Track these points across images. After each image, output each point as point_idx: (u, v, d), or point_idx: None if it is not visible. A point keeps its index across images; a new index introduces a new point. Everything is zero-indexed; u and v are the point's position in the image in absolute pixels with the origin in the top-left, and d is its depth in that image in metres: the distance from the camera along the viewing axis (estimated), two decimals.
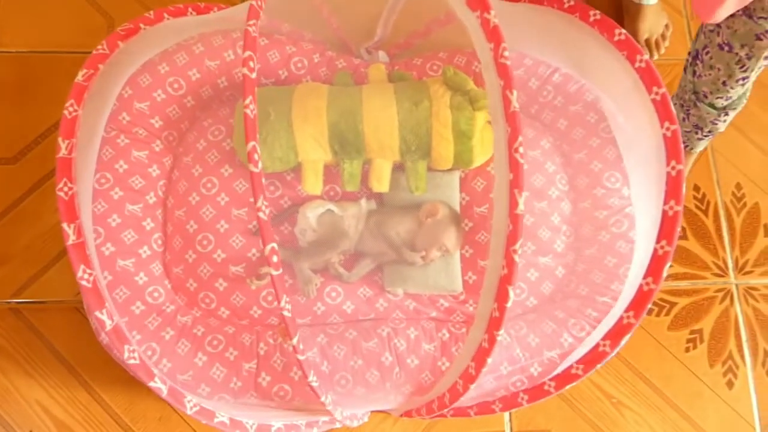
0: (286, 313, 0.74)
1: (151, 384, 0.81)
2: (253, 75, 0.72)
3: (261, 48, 1.15)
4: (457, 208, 1.13)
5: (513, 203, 0.72)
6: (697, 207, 1.30)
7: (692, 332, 1.22)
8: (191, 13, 1.07)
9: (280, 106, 1.05)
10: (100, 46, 0.93)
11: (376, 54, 1.23)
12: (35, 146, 1.22)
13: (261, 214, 0.71)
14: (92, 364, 0.94)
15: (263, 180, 0.72)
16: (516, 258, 0.72)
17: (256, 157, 0.71)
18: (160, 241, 1.11)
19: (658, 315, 1.24)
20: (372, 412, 1.15)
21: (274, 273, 0.72)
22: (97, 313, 0.80)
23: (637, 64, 0.95)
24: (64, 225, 0.81)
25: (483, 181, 1.15)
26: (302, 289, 1.07)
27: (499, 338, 0.77)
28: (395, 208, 1.12)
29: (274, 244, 0.72)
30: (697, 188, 1.31)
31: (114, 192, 1.07)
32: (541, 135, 1.21)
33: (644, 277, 0.89)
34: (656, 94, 0.97)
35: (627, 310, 0.92)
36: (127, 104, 1.10)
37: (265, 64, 1.15)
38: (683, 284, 1.26)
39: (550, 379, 0.97)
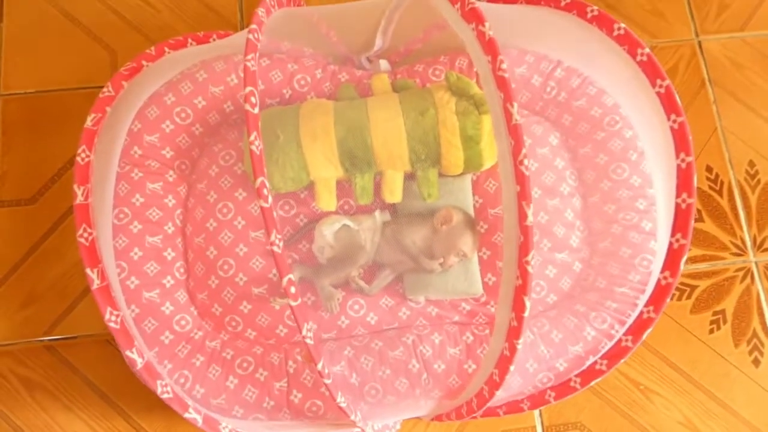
0: (308, 341, 0.75)
1: (186, 415, 0.84)
2: (256, 110, 0.73)
3: (263, 69, 1.16)
4: (471, 211, 1.14)
5: (522, 215, 0.73)
6: (710, 188, 1.30)
7: (715, 314, 1.23)
8: (191, 43, 1.08)
9: (287, 127, 1.06)
10: (105, 89, 0.95)
11: (377, 63, 1.24)
12: (52, 185, 1.24)
13: (275, 248, 0.73)
14: (128, 393, 0.97)
15: (269, 197, 0.73)
16: (529, 269, 0.73)
17: (265, 192, 0.72)
18: (182, 269, 1.13)
19: (679, 299, 1.24)
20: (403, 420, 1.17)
21: (293, 304, 0.73)
22: (128, 353, 0.83)
23: (638, 58, 0.95)
24: (88, 270, 0.83)
25: (495, 182, 1.16)
26: (325, 305, 1.09)
27: (519, 347, 0.79)
28: (410, 216, 1.13)
29: (291, 276, 0.73)
30: (709, 169, 1.31)
31: (133, 226, 1.09)
32: (549, 131, 1.21)
33: (662, 271, 0.90)
34: (660, 86, 0.97)
35: (647, 305, 0.92)
36: (138, 138, 1.12)
37: (269, 84, 1.16)
38: (702, 266, 1.26)
39: (576, 375, 0.98)
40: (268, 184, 0.72)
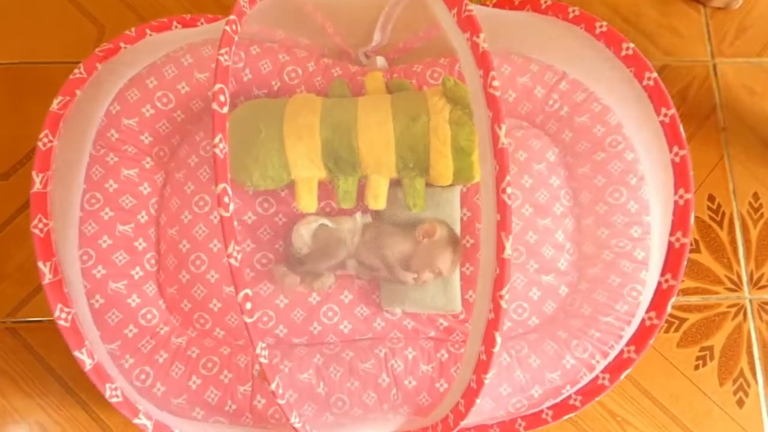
0: (262, 359, 0.71)
1: (136, 421, 0.80)
2: (224, 110, 0.68)
3: (252, 57, 1.11)
4: (458, 226, 1.09)
5: (500, 247, 0.68)
6: (711, 218, 1.25)
7: (702, 349, 1.18)
8: (176, 26, 1.03)
9: (271, 123, 1.01)
10: (77, 70, 0.89)
11: (374, 59, 1.18)
12: (27, 161, 1.19)
13: (233, 261, 0.68)
14: (90, 384, 0.93)
15: (230, 205, 0.69)
16: (503, 303, 0.69)
17: (226, 200, 0.68)
18: (153, 261, 1.09)
19: (667, 331, 1.20)
20: None
21: (248, 320, 0.69)
22: (77, 353, 0.79)
23: (645, 82, 0.89)
24: (40, 264, 0.79)
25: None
26: (312, 286, 1.05)
27: (486, 381, 0.74)
28: (392, 224, 1.08)
29: (248, 291, 0.69)
30: (711, 198, 1.25)
31: (104, 213, 1.04)
32: (547, 147, 1.16)
33: (647, 311, 0.85)
34: (665, 116, 0.92)
35: (629, 344, 0.88)
36: (116, 121, 1.07)
37: (257, 74, 1.11)
38: (694, 299, 1.21)
39: (548, 408, 0.94)
40: (230, 192, 0.68)
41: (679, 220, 0.82)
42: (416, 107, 1.02)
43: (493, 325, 0.70)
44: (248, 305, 0.69)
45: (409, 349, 1.06)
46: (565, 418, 0.93)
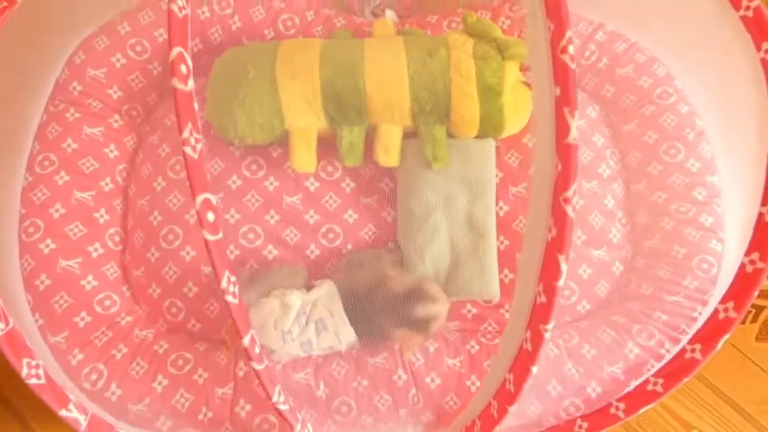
0: (230, 298, 0.52)
1: (64, 413, 0.59)
2: (188, 85, 0.51)
3: (243, 4, 0.96)
4: (493, 189, 0.89)
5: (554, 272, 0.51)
6: None
7: None
8: None
9: (261, 62, 0.84)
10: None
11: (383, 16, 1.03)
12: None
13: (230, 298, 0.51)
14: (27, 392, 0.71)
15: (219, 230, 0.53)
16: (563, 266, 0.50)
17: (210, 217, 0.50)
18: (117, 238, 0.90)
19: (742, 322, 0.99)
20: None
21: (258, 368, 0.52)
22: None
23: (741, 12, 0.71)
24: None
25: (518, 155, 0.92)
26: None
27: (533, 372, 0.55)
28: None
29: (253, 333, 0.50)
30: None
31: (59, 177, 0.87)
32: (586, 103, 0.99)
33: (722, 301, 0.64)
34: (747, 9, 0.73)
35: (692, 341, 0.67)
36: (79, 72, 0.91)
37: (248, 22, 0.96)
38: None
39: (618, 400, 0.72)
40: (215, 201, 0.50)
41: (761, 240, 0.62)
42: (433, 43, 0.86)
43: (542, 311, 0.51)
44: (257, 350, 0.51)
45: (430, 341, 0.85)
46: (643, 409, 0.70)
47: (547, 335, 0.56)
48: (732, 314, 0.65)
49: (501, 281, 0.88)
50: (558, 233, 0.52)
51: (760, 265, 0.63)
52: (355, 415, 0.81)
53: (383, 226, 0.90)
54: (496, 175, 0.91)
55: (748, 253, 0.64)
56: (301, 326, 0.76)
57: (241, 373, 0.81)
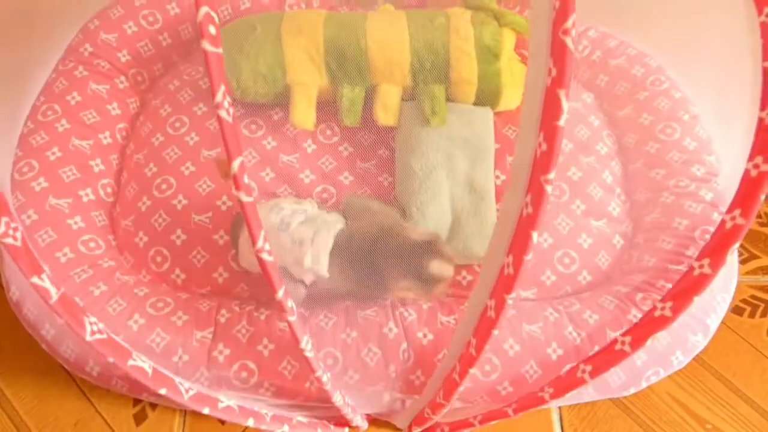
0: (265, 255, 0.51)
1: (35, 280, 0.54)
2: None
3: None
4: (492, 155, 0.89)
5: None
6: None
7: None
8: None
9: (269, 22, 0.88)
10: None
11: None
12: None
13: (266, 256, 0.52)
14: None
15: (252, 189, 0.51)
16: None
17: (246, 180, 0.49)
18: (109, 189, 0.89)
19: (752, 316, 0.94)
20: (371, 421, 0.84)
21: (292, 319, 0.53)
22: None
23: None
24: None
25: (515, 128, 0.93)
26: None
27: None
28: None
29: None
30: None
31: (60, 124, 0.88)
32: (580, 90, 1.01)
33: (699, 257, 0.62)
34: None
35: (665, 299, 0.64)
36: (92, 36, 0.95)
37: (256, 3, 1.01)
38: None
39: (623, 334, 0.67)
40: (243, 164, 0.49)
41: (761, 142, 0.61)
42: (433, 13, 0.90)
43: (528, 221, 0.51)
44: (267, 247, 0.52)
45: (424, 300, 0.81)
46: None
47: (509, 302, 0.56)
48: (707, 270, 0.61)
49: None
50: (534, 211, 0.51)
51: (740, 221, 0.61)
52: (341, 368, 0.75)
53: (380, 188, 0.89)
54: (498, 177, 0.91)
55: (730, 209, 0.61)
56: (287, 217, 0.73)
57: (222, 319, 0.77)
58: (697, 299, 0.80)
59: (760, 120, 0.61)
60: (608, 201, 0.90)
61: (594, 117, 0.97)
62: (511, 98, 0.91)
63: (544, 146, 0.50)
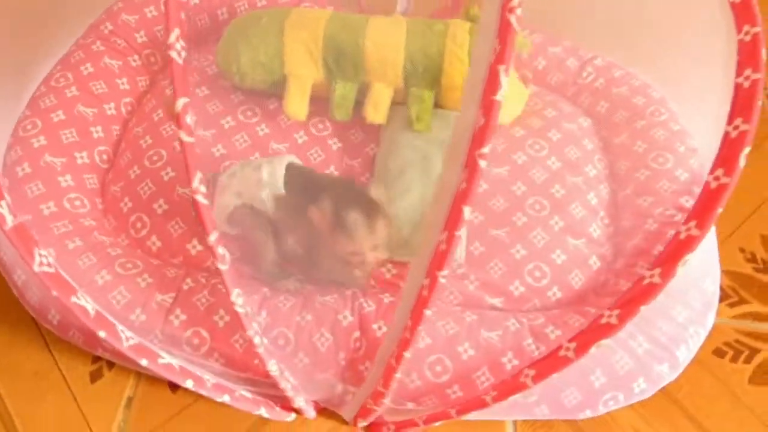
0: (199, 197, 0.54)
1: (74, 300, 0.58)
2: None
3: None
4: None
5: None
6: None
7: None
8: None
9: (275, 14, 0.92)
10: None
11: None
12: None
13: (200, 198, 0.55)
14: None
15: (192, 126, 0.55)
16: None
17: (189, 120, 0.53)
18: (105, 157, 0.93)
19: (734, 360, 0.90)
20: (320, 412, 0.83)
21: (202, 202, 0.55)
22: None
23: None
24: None
25: (505, 141, 0.94)
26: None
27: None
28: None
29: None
30: None
31: (69, 90, 0.93)
32: (579, 114, 1.01)
33: (653, 268, 0.60)
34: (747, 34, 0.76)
35: (613, 308, 0.62)
36: (114, 16, 1.01)
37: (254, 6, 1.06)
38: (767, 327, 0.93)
39: (570, 341, 0.65)
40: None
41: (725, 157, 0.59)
42: (434, 21, 0.92)
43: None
44: (202, 189, 0.55)
45: (387, 295, 0.81)
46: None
47: (442, 281, 0.56)
48: (656, 280, 0.59)
49: (470, 252, 0.85)
50: (467, 186, 0.52)
51: (695, 232, 0.60)
52: (292, 350, 0.76)
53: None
54: None
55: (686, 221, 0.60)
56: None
57: (186, 287, 0.79)
58: (663, 326, 0.79)
59: (726, 134, 0.60)
60: (590, 222, 0.88)
61: (588, 141, 0.97)
62: (503, 110, 0.92)
63: (481, 120, 0.50)
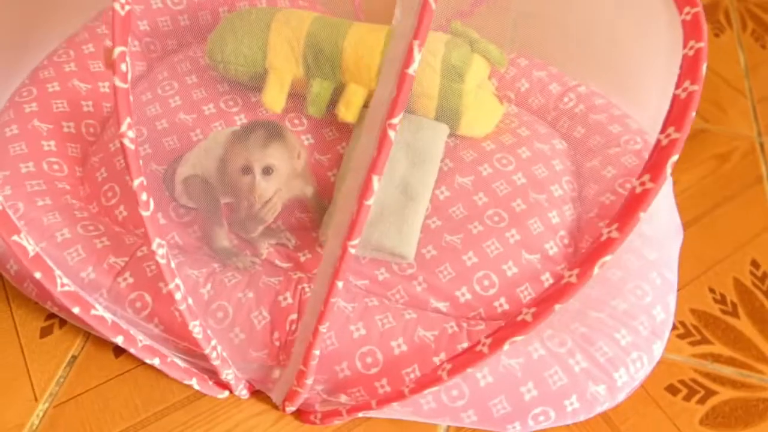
0: (126, 141, 0.57)
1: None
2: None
3: None
4: (437, 165, 0.92)
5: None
6: (754, 285, 0.99)
7: None
8: None
9: (265, 11, 0.97)
10: None
11: None
12: None
13: (127, 142, 0.58)
14: None
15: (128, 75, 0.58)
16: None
17: (123, 68, 0.57)
18: (92, 131, 0.97)
19: (687, 399, 0.87)
20: (253, 394, 0.83)
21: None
22: None
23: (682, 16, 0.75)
24: None
25: (474, 153, 0.95)
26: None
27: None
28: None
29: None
30: (755, 264, 1.01)
31: (68, 66, 0.99)
32: (554, 136, 1.02)
33: (573, 265, 0.61)
34: (691, 48, 0.77)
35: (530, 305, 0.63)
36: (121, 5, 1.07)
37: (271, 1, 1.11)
38: (727, 371, 0.90)
39: (486, 337, 0.65)
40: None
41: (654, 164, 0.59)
42: None
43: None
44: (131, 135, 0.59)
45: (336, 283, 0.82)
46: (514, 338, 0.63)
47: (352, 251, 0.58)
48: (649, 185, 0.58)
49: (422, 255, 0.85)
50: (377, 155, 0.54)
51: (614, 234, 0.59)
52: (229, 323, 0.77)
53: (327, 182, 0.92)
54: (447, 165, 0.93)
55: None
56: None
57: (139, 254, 0.81)
58: (604, 346, 0.77)
59: (658, 141, 0.61)
60: (547, 239, 0.88)
61: (559, 162, 0.97)
62: (474, 123, 0.94)
63: (393, 92, 0.53)
